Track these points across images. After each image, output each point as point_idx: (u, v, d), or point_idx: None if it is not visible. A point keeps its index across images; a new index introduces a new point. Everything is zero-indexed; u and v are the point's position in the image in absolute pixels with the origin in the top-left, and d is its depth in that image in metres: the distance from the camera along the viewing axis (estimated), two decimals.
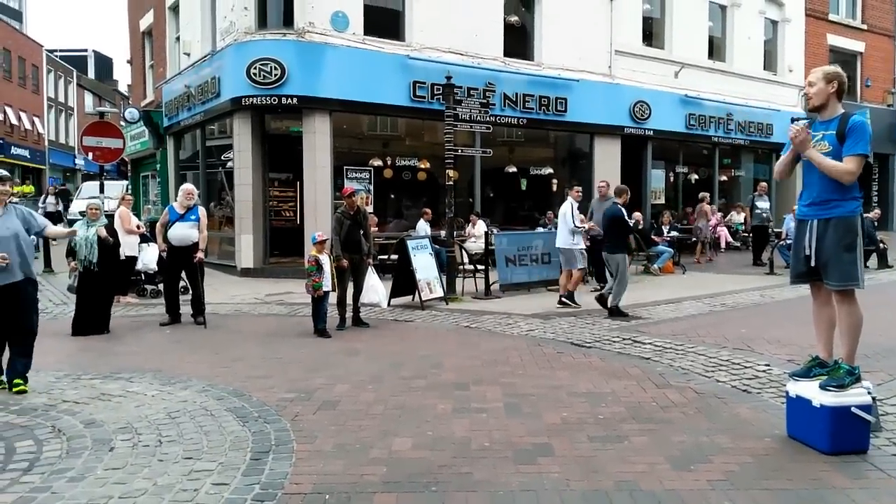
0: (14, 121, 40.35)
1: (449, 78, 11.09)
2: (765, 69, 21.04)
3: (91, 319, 8.32)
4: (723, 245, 18.76)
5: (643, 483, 3.80)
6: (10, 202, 5.90)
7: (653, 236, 14.90)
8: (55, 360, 7.01)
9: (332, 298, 8.59)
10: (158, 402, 5.42)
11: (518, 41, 16.53)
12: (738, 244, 19.11)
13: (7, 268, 5.56)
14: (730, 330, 8.07)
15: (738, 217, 19.66)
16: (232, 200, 14.77)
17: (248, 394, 5.63)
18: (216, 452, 4.34)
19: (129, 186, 20.99)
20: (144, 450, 4.41)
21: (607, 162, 17.61)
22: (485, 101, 12.45)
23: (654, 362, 6.59)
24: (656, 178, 19.33)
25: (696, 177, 20.67)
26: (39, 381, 6.05)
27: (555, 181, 17.66)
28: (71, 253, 8.55)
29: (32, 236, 6.09)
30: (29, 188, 36.86)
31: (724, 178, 21.28)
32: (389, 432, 4.69)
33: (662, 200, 19.46)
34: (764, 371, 6.15)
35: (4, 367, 5.91)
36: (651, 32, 19.04)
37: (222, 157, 15.47)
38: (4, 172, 6.08)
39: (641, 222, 15.08)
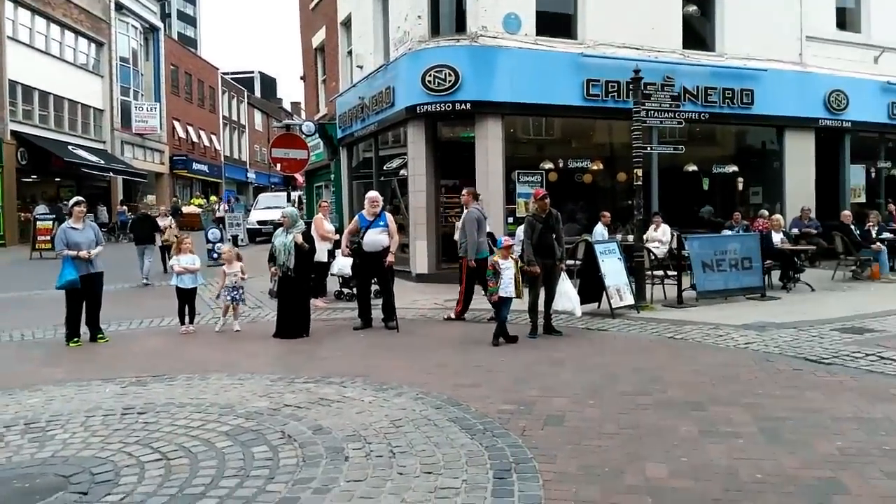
0: (195, 138, 44.14)
1: (637, 72, 10.46)
2: None
3: (292, 323, 8.53)
4: None
5: None
6: (87, 218, 8.71)
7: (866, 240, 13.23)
8: (265, 363, 7.21)
9: (516, 305, 8.22)
10: (377, 409, 5.30)
11: (698, 32, 15.49)
12: None
13: (91, 263, 8.37)
14: None
15: None
16: (404, 207, 14.92)
17: (463, 403, 5.39)
18: (455, 468, 4.09)
19: (304, 196, 21.94)
20: (378, 460, 4.24)
21: (799, 157, 16.05)
22: (676, 94, 11.64)
23: None
24: (855, 175, 17.38)
25: None
26: (257, 384, 6.18)
27: (740, 180, 16.34)
28: (272, 258, 8.82)
29: None
30: (213, 199, 40.07)
31: None
32: (635, 455, 4.22)
33: (862, 199, 17.44)
34: None
35: (86, 328, 8.49)
36: (846, 15, 17.20)
37: (394, 166, 15.68)
38: (81, 198, 8.93)
39: (849, 221, 13.53)
